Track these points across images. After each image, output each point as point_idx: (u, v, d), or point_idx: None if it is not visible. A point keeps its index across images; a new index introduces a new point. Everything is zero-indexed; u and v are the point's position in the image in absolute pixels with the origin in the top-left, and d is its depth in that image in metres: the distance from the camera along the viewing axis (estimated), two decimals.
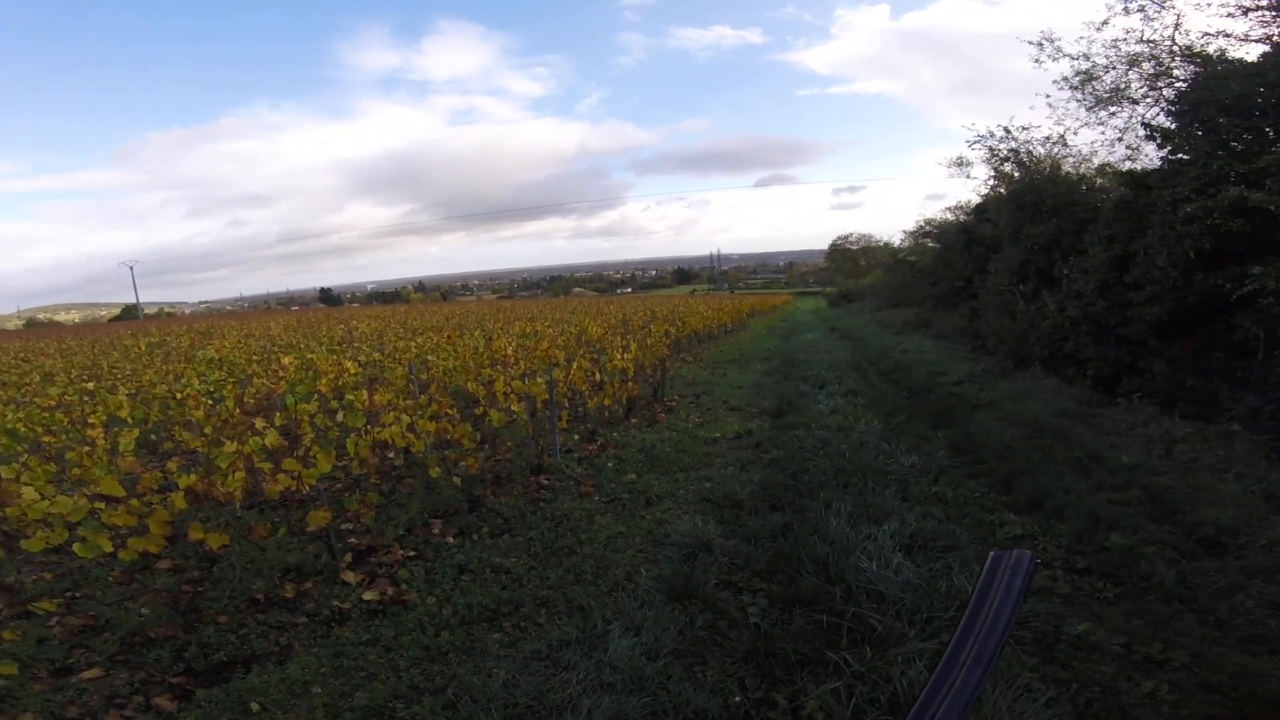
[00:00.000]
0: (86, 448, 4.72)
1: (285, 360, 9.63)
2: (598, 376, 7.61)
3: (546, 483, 5.68)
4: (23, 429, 5.72)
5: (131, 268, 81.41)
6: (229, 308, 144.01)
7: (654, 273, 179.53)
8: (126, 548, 3.49)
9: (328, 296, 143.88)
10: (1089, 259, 9.16)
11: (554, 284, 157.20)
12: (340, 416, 5.30)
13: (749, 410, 8.64)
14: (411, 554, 4.34)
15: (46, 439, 5.68)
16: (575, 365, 7.25)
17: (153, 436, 6.82)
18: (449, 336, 12.62)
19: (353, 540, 4.56)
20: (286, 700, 2.87)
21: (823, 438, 6.56)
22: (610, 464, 6.26)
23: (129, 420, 6.49)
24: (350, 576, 3.97)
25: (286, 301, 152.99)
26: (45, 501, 3.36)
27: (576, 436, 7.25)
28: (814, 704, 2.51)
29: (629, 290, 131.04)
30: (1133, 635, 3.03)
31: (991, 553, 0.73)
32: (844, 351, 15.39)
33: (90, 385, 8.92)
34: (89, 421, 6.10)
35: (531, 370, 7.05)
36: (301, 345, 14.31)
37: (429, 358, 9.01)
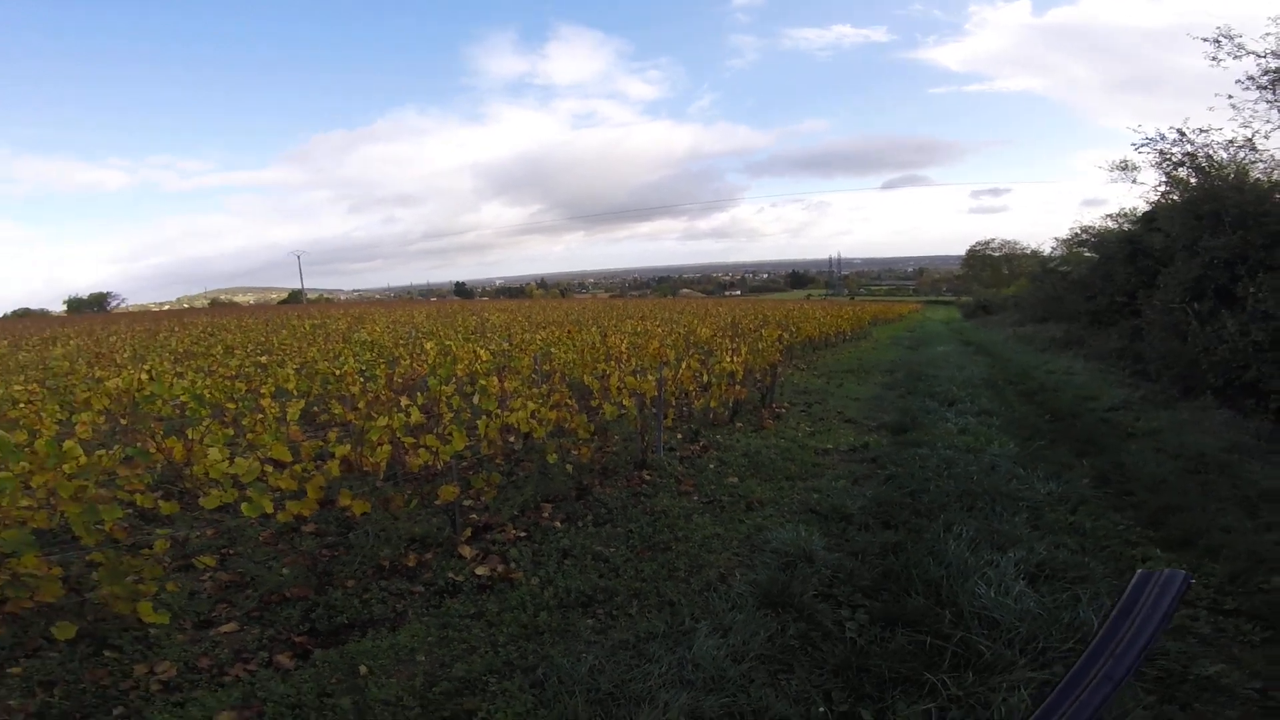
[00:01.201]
0: (259, 415, 5.39)
1: (427, 345, 10.49)
2: (705, 378, 7.63)
3: (649, 478, 5.80)
4: (208, 395, 6.64)
5: (299, 257, 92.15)
6: (377, 296, 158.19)
7: (765, 275, 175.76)
8: (285, 510, 3.86)
9: (461, 290, 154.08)
10: None
11: (662, 284, 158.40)
12: (475, 399, 5.70)
13: (866, 423, 8.30)
14: (522, 534, 4.60)
15: (228, 405, 6.54)
16: (684, 365, 7.32)
17: (313, 408, 7.63)
18: (569, 331, 13.15)
19: (473, 517, 4.87)
20: (392, 665, 3.05)
21: (948, 458, 6.19)
22: (712, 465, 6.28)
23: (294, 392, 7.35)
24: (466, 551, 4.26)
25: (426, 293, 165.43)
26: (225, 462, 3.86)
27: (680, 436, 7.33)
28: None
29: (737, 293, 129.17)
30: (1272, 680, 2.72)
31: (1139, 571, 0.70)
32: (979, 368, 14.29)
33: (263, 359, 10.17)
34: (261, 391, 6.97)
35: (642, 367, 7.21)
36: (440, 333, 15.47)
37: (551, 350, 9.45)
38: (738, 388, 8.19)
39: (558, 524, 4.78)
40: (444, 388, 5.59)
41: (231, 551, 4.41)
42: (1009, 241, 59.86)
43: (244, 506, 3.57)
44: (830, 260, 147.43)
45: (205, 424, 4.84)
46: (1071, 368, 13.46)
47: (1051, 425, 8.10)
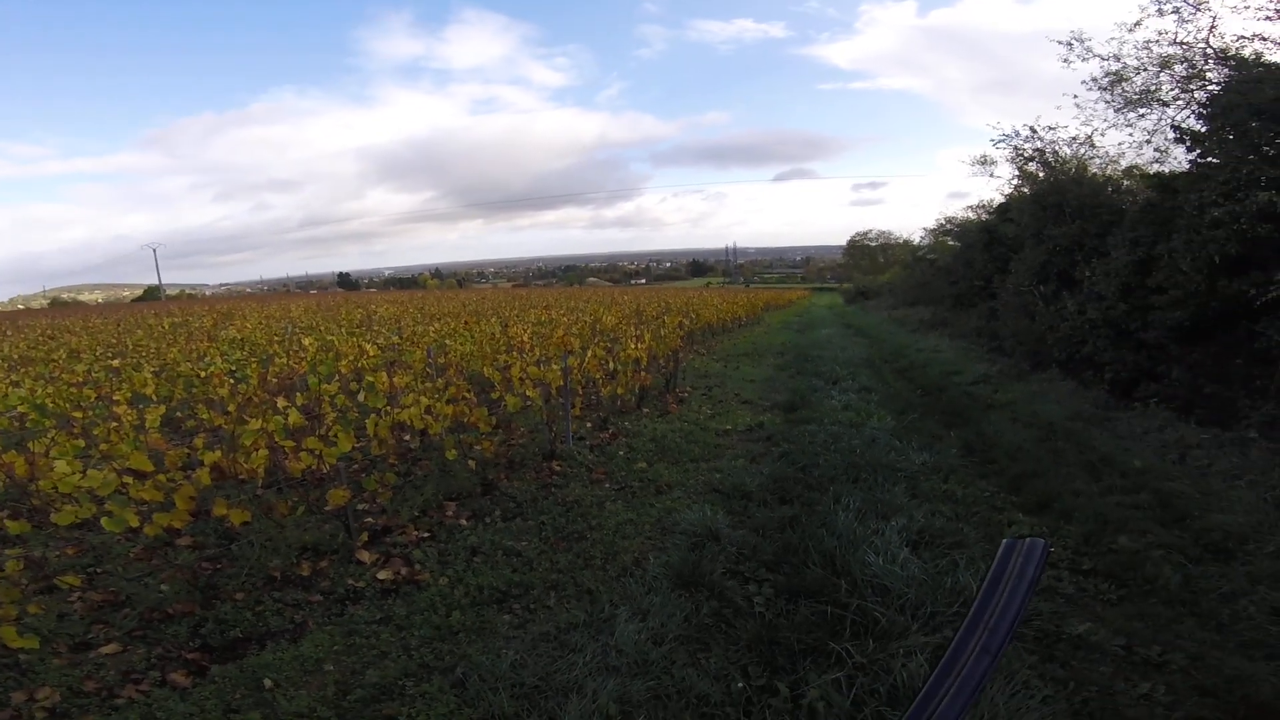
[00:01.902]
0: (114, 424, 4.83)
1: (306, 341, 9.78)
2: (611, 365, 7.66)
3: (559, 469, 5.75)
4: (51, 404, 5.88)
5: (155, 250, 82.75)
6: (249, 290, 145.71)
7: (669, 264, 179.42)
8: (152, 523, 3.54)
9: (345, 281, 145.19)
10: (1111, 261, 9.05)
11: (569, 273, 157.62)
12: (361, 397, 5.39)
13: (761, 404, 8.67)
14: (426, 535, 4.43)
15: (75, 415, 5.81)
16: (590, 353, 7.30)
17: (177, 414, 6.96)
18: (466, 322, 12.74)
19: (369, 520, 4.64)
20: (299, 677, 2.91)
21: (834, 433, 6.58)
22: (621, 452, 6.33)
23: (154, 397, 6.64)
24: (365, 556, 4.05)
25: (305, 285, 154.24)
26: (77, 475, 3.44)
27: (589, 424, 7.32)
28: (815, 693, 2.56)
29: (643, 281, 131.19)
30: (1133, 637, 3.06)
31: (1004, 540, 0.73)
32: (859, 348, 15.34)
33: (115, 363, 9.08)
34: (115, 398, 6.23)
35: (547, 357, 7.12)
36: (321, 327, 14.50)
37: (447, 342, 9.10)
38: (643, 374, 8.29)
39: (463, 521, 4.65)
40: (326, 386, 5.25)
41: (100, 570, 4.05)
42: (884, 232, 64.58)
43: (104, 521, 3.29)
44: (727, 250, 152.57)
45: (50, 435, 4.30)
46: (938, 346, 14.75)
47: (922, 399, 8.85)
